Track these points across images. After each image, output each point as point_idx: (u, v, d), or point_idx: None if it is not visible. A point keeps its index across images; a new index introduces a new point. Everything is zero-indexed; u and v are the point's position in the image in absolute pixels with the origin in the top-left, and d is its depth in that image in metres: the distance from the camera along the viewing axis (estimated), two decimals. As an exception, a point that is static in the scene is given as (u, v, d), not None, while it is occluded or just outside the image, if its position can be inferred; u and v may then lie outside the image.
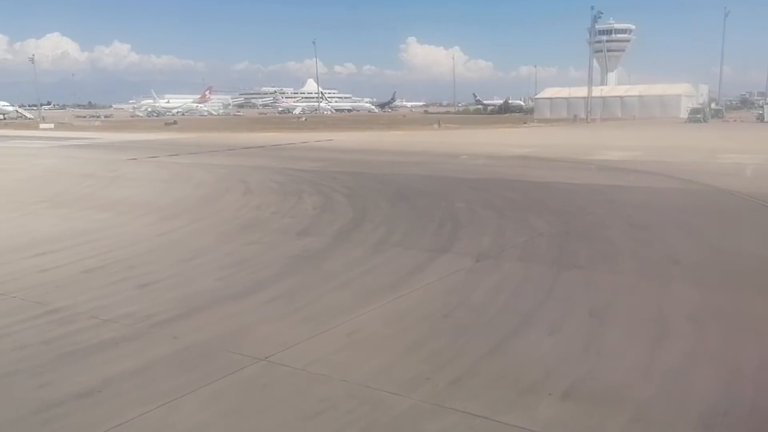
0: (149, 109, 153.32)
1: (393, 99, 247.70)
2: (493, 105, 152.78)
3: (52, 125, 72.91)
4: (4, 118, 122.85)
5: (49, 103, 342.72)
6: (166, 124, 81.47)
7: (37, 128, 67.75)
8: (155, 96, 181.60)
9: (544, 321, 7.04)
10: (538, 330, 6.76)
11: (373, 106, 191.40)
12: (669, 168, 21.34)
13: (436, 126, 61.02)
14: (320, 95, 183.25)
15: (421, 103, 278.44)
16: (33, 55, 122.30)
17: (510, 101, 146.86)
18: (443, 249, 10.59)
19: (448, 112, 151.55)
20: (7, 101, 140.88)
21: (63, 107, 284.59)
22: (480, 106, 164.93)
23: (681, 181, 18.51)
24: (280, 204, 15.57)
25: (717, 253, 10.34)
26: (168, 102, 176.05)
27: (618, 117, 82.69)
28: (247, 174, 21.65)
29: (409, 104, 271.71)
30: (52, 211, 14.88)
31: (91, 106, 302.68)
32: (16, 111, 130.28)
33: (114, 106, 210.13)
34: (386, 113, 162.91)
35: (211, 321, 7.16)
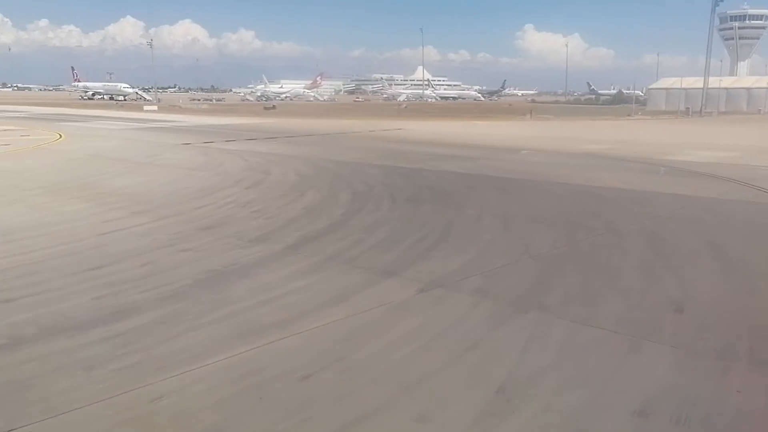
0: (259, 94, 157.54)
1: (503, 87, 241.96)
2: (607, 95, 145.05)
3: (155, 108, 75.78)
4: (125, 100, 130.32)
5: (174, 86, 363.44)
6: (265, 108, 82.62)
7: (141, 110, 70.34)
8: (266, 81, 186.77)
9: (422, 401, 5.04)
10: (403, 415, 4.81)
11: (479, 95, 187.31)
12: (757, 174, 18.00)
13: (527, 116, 57.55)
14: (425, 83, 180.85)
15: (532, 92, 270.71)
16: (151, 40, 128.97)
17: (626, 91, 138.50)
18: (395, 271, 8.72)
19: (557, 102, 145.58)
20: (142, 84, 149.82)
21: (186, 90, 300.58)
22: (593, 96, 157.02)
23: (760, 193, 15.35)
24: (272, 202, 14.15)
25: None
26: (281, 87, 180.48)
27: (743, 111, 75.12)
28: (277, 164, 20.61)
29: (519, 93, 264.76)
30: (36, 200, 14.20)
31: (213, 89, 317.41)
32: (136, 93, 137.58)
33: (233, 90, 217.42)
34: (492, 102, 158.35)
35: (14, 362, 5.78)
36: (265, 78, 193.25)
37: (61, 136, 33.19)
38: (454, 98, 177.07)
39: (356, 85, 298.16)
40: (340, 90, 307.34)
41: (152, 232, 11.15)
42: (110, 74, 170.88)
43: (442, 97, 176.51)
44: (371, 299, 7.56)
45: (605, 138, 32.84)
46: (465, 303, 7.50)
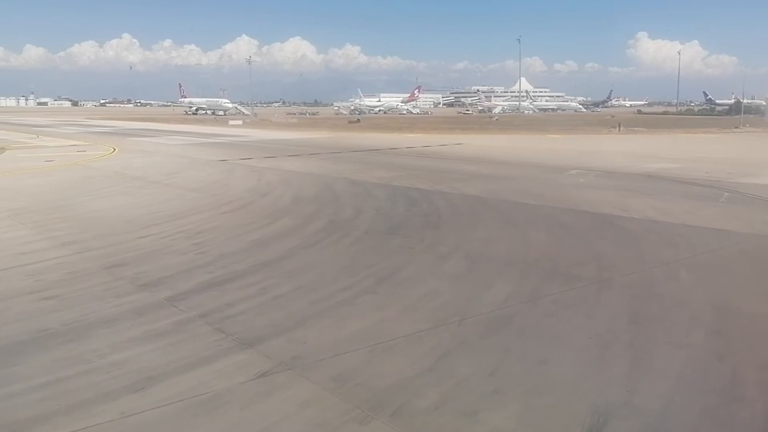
0: (352, 108, 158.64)
1: (609, 98, 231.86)
2: (725, 105, 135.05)
3: (240, 122, 76.98)
4: (225, 114, 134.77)
5: (279, 101, 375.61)
6: (350, 122, 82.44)
7: (225, 125, 71.66)
8: (361, 95, 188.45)
9: None
10: None
11: (580, 106, 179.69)
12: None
13: (614, 130, 53.32)
14: (522, 94, 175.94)
15: (642, 102, 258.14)
16: (250, 57, 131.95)
17: (747, 101, 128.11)
18: (259, 339, 6.88)
19: (665, 113, 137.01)
20: (254, 99, 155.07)
21: (290, 105, 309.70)
22: (707, 107, 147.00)
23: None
24: (229, 231, 12.59)
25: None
26: (379, 100, 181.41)
27: None
28: (287, 184, 19.29)
29: (628, 103, 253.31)
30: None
31: (316, 104, 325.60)
32: (236, 108, 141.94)
33: (334, 104, 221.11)
34: (593, 113, 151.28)
35: None
36: (360, 92, 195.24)
37: (114, 150, 33.44)
38: (553, 110, 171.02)
39: (455, 97, 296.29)
40: (439, 103, 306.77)
41: (48, 270, 9.78)
42: (223, 90, 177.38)
43: (540, 109, 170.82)
44: (179, 387, 5.66)
45: (684, 155, 29.03)
46: (298, 399, 5.43)
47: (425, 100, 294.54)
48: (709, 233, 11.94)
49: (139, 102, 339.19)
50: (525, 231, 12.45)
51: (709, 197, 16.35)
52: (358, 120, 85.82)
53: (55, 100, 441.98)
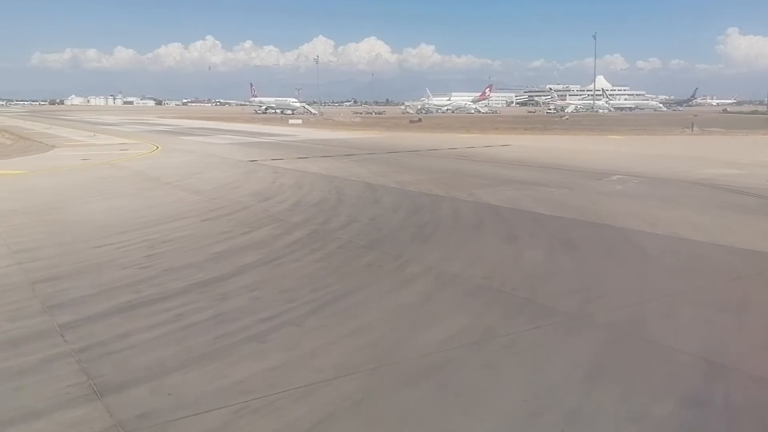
0: (419, 107, 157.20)
1: (693, 96, 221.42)
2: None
3: (300, 121, 77.05)
4: (293, 113, 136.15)
5: (350, 101, 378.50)
6: (411, 121, 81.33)
7: (285, 124, 71.78)
8: (429, 94, 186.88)
9: None
10: None
11: (660, 105, 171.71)
12: None
13: (687, 130, 49.77)
14: (597, 93, 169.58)
15: (729, 101, 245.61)
16: (317, 56, 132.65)
17: None
18: (128, 385, 5.74)
19: (755, 112, 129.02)
20: (330, 98, 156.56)
21: (361, 104, 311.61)
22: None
23: None
24: (203, 241, 11.70)
25: None
26: (449, 100, 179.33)
27: None
28: (299, 188, 18.31)
29: (715, 102, 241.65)
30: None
31: (387, 103, 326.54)
32: (303, 107, 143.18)
33: (405, 103, 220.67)
34: (675, 112, 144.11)
35: None
36: (428, 91, 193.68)
37: (156, 148, 33.55)
38: (630, 109, 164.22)
39: (528, 96, 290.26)
40: (512, 102, 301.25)
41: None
42: (298, 89, 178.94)
43: (617, 108, 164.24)
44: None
45: (753, 159, 26.20)
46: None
47: (497, 99, 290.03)
48: (741, 256, 10.00)
49: (219, 101, 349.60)
50: (523, 249, 10.83)
51: (759, 210, 14.17)
52: (420, 120, 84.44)
53: (141, 100, 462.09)
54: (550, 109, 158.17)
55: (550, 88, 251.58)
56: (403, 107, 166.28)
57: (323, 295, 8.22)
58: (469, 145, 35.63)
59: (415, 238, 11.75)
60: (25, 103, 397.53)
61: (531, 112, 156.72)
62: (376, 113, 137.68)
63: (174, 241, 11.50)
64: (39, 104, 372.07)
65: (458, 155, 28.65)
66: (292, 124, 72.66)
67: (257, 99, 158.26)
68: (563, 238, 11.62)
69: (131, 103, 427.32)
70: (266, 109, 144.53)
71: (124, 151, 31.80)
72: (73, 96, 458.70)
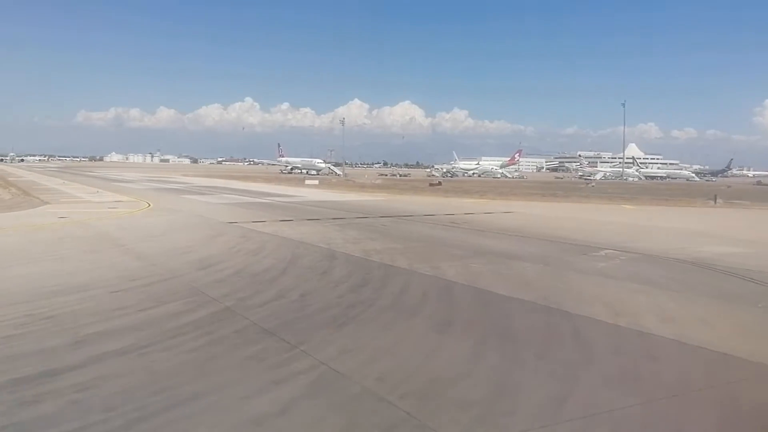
0: (444, 170, 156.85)
1: (728, 167, 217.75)
2: None
3: (316, 182, 76.49)
4: (317, 174, 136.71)
5: (381, 162, 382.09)
6: (431, 185, 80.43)
7: (302, 184, 71.26)
8: (456, 158, 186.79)
9: None
10: None
11: (693, 175, 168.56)
12: None
13: (711, 202, 47.54)
14: (627, 161, 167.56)
15: (766, 173, 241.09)
16: (343, 119, 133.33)
17: None
18: None
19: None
20: (363, 159, 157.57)
21: (391, 166, 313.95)
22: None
23: None
24: (88, 318, 10.28)
25: None
26: (477, 164, 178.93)
27: None
28: (261, 254, 16.99)
29: (751, 173, 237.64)
30: None
31: (418, 165, 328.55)
32: (329, 168, 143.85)
33: (435, 166, 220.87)
34: (708, 183, 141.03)
35: None
36: (455, 155, 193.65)
37: (148, 206, 32.91)
38: (662, 178, 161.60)
39: (559, 162, 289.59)
40: (542, 167, 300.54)
41: None
42: (331, 150, 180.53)
43: (647, 177, 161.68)
44: None
45: (765, 238, 24.06)
46: None
47: (528, 164, 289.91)
48: (703, 360, 8.19)
49: (252, 160, 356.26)
50: (448, 340, 9.17)
51: (749, 299, 12.26)
52: (439, 183, 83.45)
53: (178, 158, 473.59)
54: (581, 176, 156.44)
55: (580, 155, 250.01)
56: (429, 170, 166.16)
57: (159, 401, 6.63)
58: (472, 210, 34.08)
59: (334, 320, 10.12)
60: (67, 158, 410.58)
61: (559, 178, 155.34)
62: (400, 175, 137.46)
63: (55, 318, 10.06)
64: (80, 160, 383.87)
65: (451, 222, 27.05)
66: (308, 184, 72.06)
67: (284, 159, 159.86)
68: (504, 327, 9.89)
69: (167, 160, 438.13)
70: (292, 169, 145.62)
71: (112, 210, 31.00)
72: (113, 153, 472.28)
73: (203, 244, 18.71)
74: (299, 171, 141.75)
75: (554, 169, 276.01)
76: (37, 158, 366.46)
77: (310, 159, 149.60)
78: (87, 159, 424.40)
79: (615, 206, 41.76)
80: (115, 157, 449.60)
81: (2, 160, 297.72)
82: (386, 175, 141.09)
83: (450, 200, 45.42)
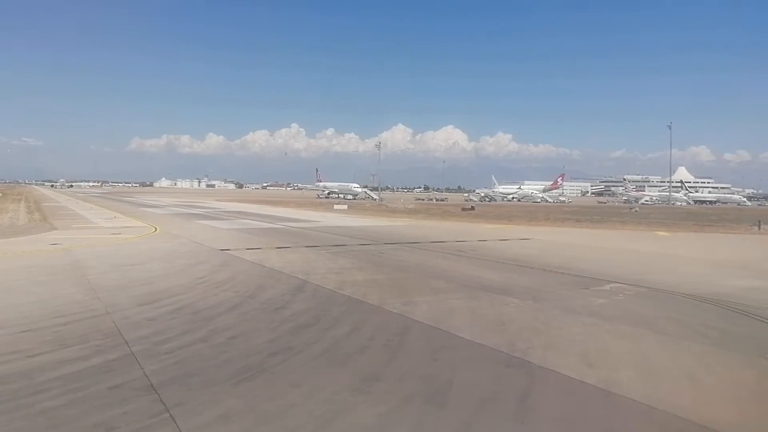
0: (482, 195, 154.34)
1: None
2: None
3: (345, 207, 75.31)
4: (354, 198, 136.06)
5: (421, 187, 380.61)
6: (463, 209, 78.70)
7: (330, 210, 70.21)
8: (495, 182, 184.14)
9: None
10: None
11: (744, 199, 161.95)
12: None
13: (754, 228, 44.42)
14: (674, 184, 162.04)
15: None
16: (379, 143, 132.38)
17: None
18: None
19: None
20: (406, 184, 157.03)
21: (431, 190, 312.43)
22: None
23: None
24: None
25: None
26: (519, 188, 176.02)
27: None
28: (229, 286, 15.58)
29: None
30: None
31: (459, 189, 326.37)
32: (365, 192, 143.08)
33: (476, 190, 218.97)
34: (762, 208, 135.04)
35: None
36: (493, 179, 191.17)
37: (155, 230, 32.33)
38: (711, 202, 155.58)
39: (605, 186, 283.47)
40: (587, 191, 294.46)
41: None
42: (373, 175, 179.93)
43: (696, 201, 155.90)
44: None
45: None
46: None
47: (572, 189, 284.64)
48: (668, 427, 6.23)
49: (296, 185, 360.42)
50: (364, 402, 7.52)
51: (757, 347, 10.15)
52: (472, 208, 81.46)
53: (224, 183, 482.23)
54: (625, 201, 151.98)
55: (624, 179, 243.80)
56: (467, 195, 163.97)
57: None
58: (488, 237, 32.14)
59: (244, 372, 8.53)
60: (119, 184, 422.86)
61: (602, 202, 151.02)
62: (436, 200, 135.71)
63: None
64: (131, 186, 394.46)
65: (458, 249, 25.21)
66: (336, 209, 70.91)
67: (321, 184, 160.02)
68: (441, 384, 8.12)
69: (213, 186, 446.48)
70: (329, 193, 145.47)
71: (114, 235, 30.29)
72: (163, 178, 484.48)
73: (172, 275, 17.40)
74: (336, 195, 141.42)
75: (599, 194, 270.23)
76: (91, 184, 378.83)
77: (346, 184, 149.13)
78: (138, 185, 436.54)
79: (648, 233, 39.08)
80: (164, 182, 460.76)
81: (53, 185, 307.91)
82: (423, 199, 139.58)
83: (473, 226, 43.49)
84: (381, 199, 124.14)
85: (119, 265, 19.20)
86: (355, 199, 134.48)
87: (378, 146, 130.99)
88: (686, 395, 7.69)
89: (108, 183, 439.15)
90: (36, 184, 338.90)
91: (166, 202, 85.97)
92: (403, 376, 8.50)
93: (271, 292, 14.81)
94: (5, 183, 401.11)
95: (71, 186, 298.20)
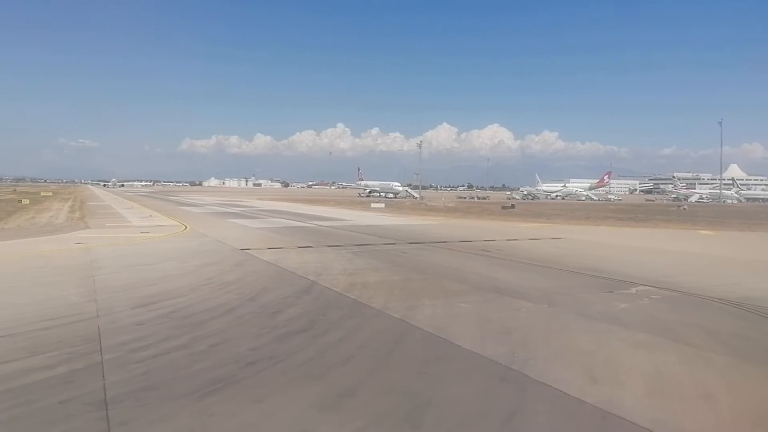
0: (525, 192, 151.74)
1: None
2: None
3: (382, 206, 74.70)
4: (395, 197, 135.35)
5: (465, 185, 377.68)
6: (503, 208, 77.16)
7: (367, 208, 69.75)
8: (538, 180, 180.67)
9: None
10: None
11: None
12: None
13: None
14: (725, 182, 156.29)
15: None
16: (420, 142, 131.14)
17: None
18: None
19: None
20: (449, 183, 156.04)
21: (474, 188, 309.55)
22: None
23: None
24: None
25: None
26: (564, 186, 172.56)
27: None
28: (227, 287, 15.06)
29: None
30: None
31: (503, 188, 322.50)
32: (406, 191, 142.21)
33: (520, 188, 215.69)
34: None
35: None
36: (537, 177, 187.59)
37: (185, 228, 32.77)
38: (764, 200, 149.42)
39: (654, 184, 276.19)
40: (635, 189, 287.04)
41: None
42: (416, 174, 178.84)
43: (749, 199, 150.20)
44: None
45: None
46: None
47: (620, 186, 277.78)
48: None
49: (341, 184, 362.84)
50: (319, 421, 6.71)
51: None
52: (512, 206, 79.74)
53: (270, 182, 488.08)
54: (674, 198, 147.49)
55: (674, 176, 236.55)
56: (509, 193, 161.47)
57: None
58: (518, 236, 31.02)
59: (211, 384, 7.92)
60: (171, 183, 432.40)
61: (650, 200, 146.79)
62: (478, 198, 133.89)
63: None
64: (182, 185, 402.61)
65: (483, 249, 24.26)
66: (373, 208, 70.36)
67: (363, 182, 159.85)
68: (423, 401, 7.36)
69: (260, 185, 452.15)
70: (370, 192, 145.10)
71: (143, 234, 30.35)
72: (212, 178, 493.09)
73: (181, 276, 17.00)
74: (378, 194, 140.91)
75: (648, 192, 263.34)
76: (143, 183, 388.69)
77: (388, 182, 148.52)
78: (188, 184, 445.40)
79: (690, 232, 37.27)
80: (213, 181, 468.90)
81: (105, 185, 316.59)
82: (464, 198, 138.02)
83: (507, 224, 42.31)
84: (422, 198, 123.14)
85: (132, 265, 18.92)
86: (396, 197, 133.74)
87: (419, 145, 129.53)
88: (698, 419, 6.73)
89: (159, 182, 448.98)
90: (91, 184, 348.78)
91: (207, 201, 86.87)
92: (382, 391, 7.74)
93: (274, 295, 14.22)
94: (63, 183, 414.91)
95: (122, 185, 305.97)
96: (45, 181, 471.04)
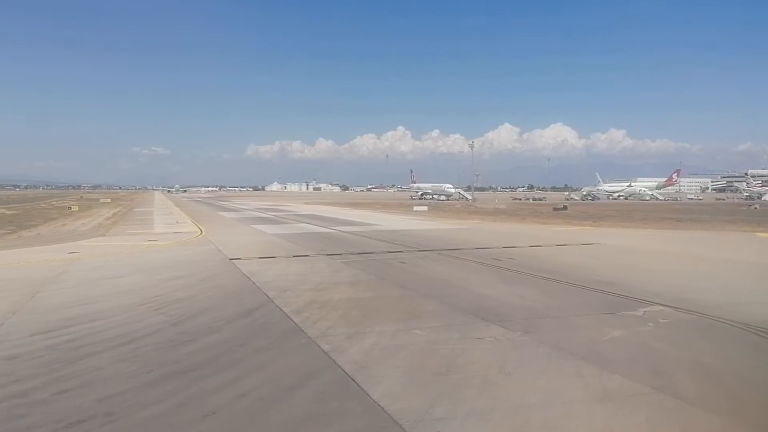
0: (584, 192, 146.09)
1: None
2: None
3: (425, 209, 72.27)
4: (447, 199, 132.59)
5: (524, 186, 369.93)
6: (555, 209, 73.82)
7: (408, 211, 67.62)
8: (599, 179, 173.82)
9: None
10: None
11: None
12: None
13: None
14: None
15: None
16: (472, 143, 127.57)
17: None
18: None
19: None
20: (510, 184, 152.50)
21: (536, 189, 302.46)
22: None
23: None
24: None
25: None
26: (629, 185, 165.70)
27: None
28: (162, 310, 13.36)
29: None
30: None
31: (566, 188, 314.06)
32: (459, 192, 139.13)
33: (583, 189, 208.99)
34: None
35: None
36: (597, 176, 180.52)
37: (200, 233, 32.18)
38: None
39: (727, 182, 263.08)
40: (707, 187, 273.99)
41: None
42: (477, 176, 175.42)
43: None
44: None
45: None
46: None
47: (691, 185, 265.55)
48: None
49: (401, 187, 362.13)
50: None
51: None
52: (565, 207, 76.01)
53: (330, 186, 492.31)
54: (747, 197, 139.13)
55: (746, 173, 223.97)
56: (567, 194, 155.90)
57: None
58: (546, 242, 28.18)
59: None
60: (236, 189, 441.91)
61: (720, 199, 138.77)
62: (534, 199, 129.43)
63: None
64: (247, 190, 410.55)
65: (493, 258, 21.72)
66: (415, 211, 68.11)
67: (415, 185, 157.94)
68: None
69: (320, 189, 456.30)
70: (422, 194, 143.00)
71: (151, 242, 29.22)
72: (275, 183, 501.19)
73: (129, 293, 15.34)
74: (430, 196, 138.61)
75: (721, 190, 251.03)
76: (209, 188, 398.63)
77: (440, 184, 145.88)
78: (251, 189, 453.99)
79: (748, 235, 33.40)
80: (275, 186, 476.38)
81: (169, 190, 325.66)
82: (519, 199, 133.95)
83: (545, 228, 39.39)
84: (474, 200, 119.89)
85: (95, 279, 17.47)
86: (448, 199, 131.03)
87: (471, 146, 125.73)
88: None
89: (225, 188, 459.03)
90: (161, 190, 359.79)
91: (251, 206, 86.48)
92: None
93: (208, 317, 12.30)
94: (135, 189, 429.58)
95: (185, 191, 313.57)
96: (120, 188, 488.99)
